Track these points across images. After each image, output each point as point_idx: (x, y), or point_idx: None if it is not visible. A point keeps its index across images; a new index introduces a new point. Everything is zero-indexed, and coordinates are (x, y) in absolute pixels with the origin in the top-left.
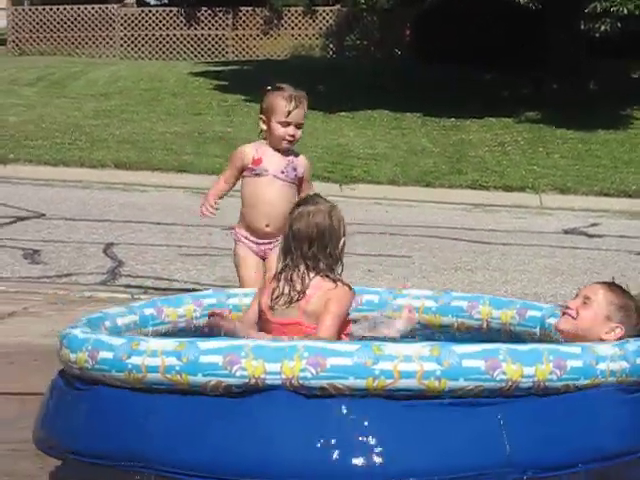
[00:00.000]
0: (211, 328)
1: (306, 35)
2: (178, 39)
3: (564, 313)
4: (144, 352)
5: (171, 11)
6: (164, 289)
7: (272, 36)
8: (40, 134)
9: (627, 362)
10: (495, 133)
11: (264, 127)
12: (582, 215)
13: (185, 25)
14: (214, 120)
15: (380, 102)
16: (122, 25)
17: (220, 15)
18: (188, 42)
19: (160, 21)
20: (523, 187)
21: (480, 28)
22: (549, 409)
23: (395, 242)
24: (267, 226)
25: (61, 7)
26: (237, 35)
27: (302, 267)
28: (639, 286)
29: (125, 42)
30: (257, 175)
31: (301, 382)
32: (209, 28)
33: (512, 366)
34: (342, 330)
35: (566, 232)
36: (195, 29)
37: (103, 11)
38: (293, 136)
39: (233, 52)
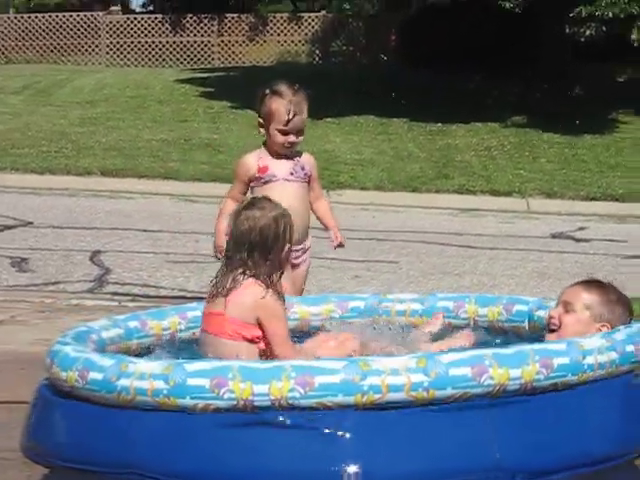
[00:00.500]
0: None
1: (292, 41)
2: (164, 46)
3: (548, 324)
4: (132, 374)
5: (156, 18)
6: (151, 296)
7: (258, 42)
8: (26, 142)
9: (616, 352)
10: (481, 138)
11: (262, 131)
12: (569, 219)
13: (171, 32)
14: (200, 127)
15: (366, 108)
16: (108, 33)
17: (206, 22)
18: (174, 49)
19: (146, 28)
20: (510, 192)
21: (466, 33)
22: (539, 413)
23: (382, 248)
24: None
25: (47, 15)
26: (223, 42)
27: (239, 270)
28: (626, 290)
29: (111, 49)
30: (266, 183)
31: (290, 402)
32: (195, 35)
33: (499, 370)
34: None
35: (553, 236)
36: (181, 36)
37: (89, 19)
38: (292, 144)
39: (219, 59)
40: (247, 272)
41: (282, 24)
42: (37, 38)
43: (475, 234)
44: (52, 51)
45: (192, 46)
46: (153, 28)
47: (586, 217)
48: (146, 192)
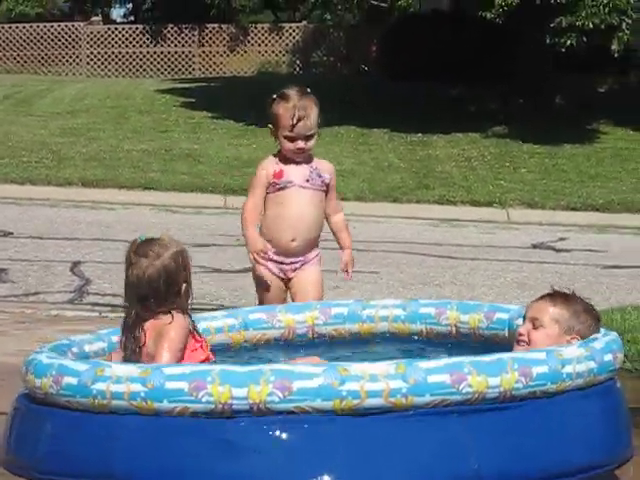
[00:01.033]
0: None
1: (272, 52)
2: (144, 56)
3: (517, 342)
4: (109, 378)
5: (137, 28)
6: None
7: (239, 53)
8: (6, 152)
9: (594, 362)
10: (462, 148)
11: (273, 137)
12: (550, 229)
13: (151, 42)
14: (181, 137)
15: (347, 118)
16: (88, 43)
17: (186, 32)
18: (154, 59)
19: (126, 39)
20: (490, 202)
21: (446, 44)
22: (518, 422)
23: (363, 258)
24: (293, 240)
25: (27, 25)
26: (204, 52)
27: (139, 315)
28: (606, 300)
29: (91, 60)
30: (281, 189)
31: (268, 406)
32: (175, 45)
33: (477, 378)
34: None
35: (534, 247)
36: (161, 46)
37: (69, 29)
38: (302, 149)
39: (200, 69)
40: (143, 315)
41: (263, 34)
42: (18, 48)
43: (455, 244)
44: (33, 61)
45: (173, 56)
46: (134, 38)
47: (566, 227)
48: (127, 202)
